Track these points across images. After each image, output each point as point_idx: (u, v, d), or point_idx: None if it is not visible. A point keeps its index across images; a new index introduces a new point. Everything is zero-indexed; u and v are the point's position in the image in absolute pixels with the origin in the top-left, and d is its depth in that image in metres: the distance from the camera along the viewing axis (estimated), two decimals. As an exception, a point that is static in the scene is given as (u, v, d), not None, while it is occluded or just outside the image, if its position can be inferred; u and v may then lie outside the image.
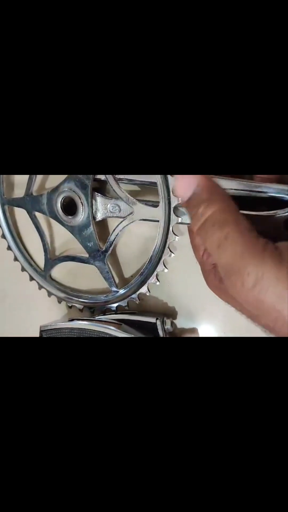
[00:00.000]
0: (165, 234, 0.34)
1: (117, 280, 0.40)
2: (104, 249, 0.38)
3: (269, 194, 0.31)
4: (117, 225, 0.36)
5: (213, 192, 0.25)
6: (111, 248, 0.38)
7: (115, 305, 0.39)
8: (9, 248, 0.44)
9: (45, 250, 0.42)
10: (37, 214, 0.41)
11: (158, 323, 0.36)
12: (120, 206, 0.36)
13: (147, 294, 0.37)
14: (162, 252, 0.35)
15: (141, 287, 0.37)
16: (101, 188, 0.38)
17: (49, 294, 0.43)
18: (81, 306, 0.41)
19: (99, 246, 0.38)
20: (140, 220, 0.35)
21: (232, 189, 0.31)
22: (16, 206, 0.43)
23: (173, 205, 0.33)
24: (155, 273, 0.36)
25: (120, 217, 0.36)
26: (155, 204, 0.34)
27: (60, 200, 0.38)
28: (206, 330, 0.38)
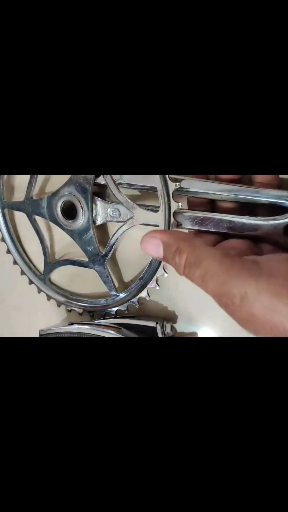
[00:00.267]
0: (165, 239, 0.34)
1: (116, 284, 0.40)
2: (104, 253, 0.38)
3: (269, 200, 0.31)
4: (117, 230, 0.36)
5: (178, 240, 0.28)
6: (111, 252, 0.38)
7: (114, 309, 0.39)
8: (8, 251, 0.44)
9: (45, 254, 0.42)
10: (37, 218, 0.41)
11: (158, 327, 0.36)
12: (120, 211, 0.36)
13: (147, 298, 0.37)
14: (162, 256, 0.35)
15: (141, 292, 0.37)
16: (101, 193, 0.38)
17: (49, 298, 0.43)
18: (80, 310, 0.41)
19: (99, 250, 0.38)
20: (140, 224, 0.35)
21: (232, 194, 0.32)
22: (16, 210, 0.43)
23: (173, 210, 0.33)
24: (155, 277, 0.36)
25: (120, 222, 0.36)
26: (155, 209, 0.34)
27: (60, 204, 0.38)
28: (206, 334, 0.38)
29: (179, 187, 0.32)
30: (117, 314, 0.39)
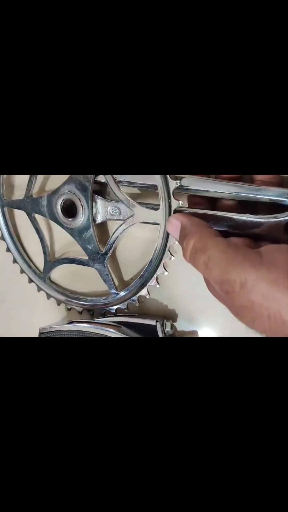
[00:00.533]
0: (166, 237, 0.34)
1: (116, 283, 0.40)
2: (104, 251, 0.38)
3: (270, 197, 0.31)
4: (117, 228, 0.36)
5: (192, 225, 0.30)
6: (111, 251, 0.38)
7: (114, 307, 0.39)
8: (8, 250, 0.44)
9: (45, 252, 0.42)
10: (37, 216, 0.41)
11: (158, 325, 0.36)
12: (120, 209, 0.36)
13: (147, 296, 0.37)
14: (163, 255, 0.35)
15: (141, 290, 0.37)
16: (102, 191, 0.38)
17: (48, 296, 0.43)
18: (80, 309, 0.41)
19: (99, 249, 0.38)
20: (140, 223, 0.35)
21: (233, 192, 0.32)
22: (16, 208, 0.43)
23: (173, 208, 0.33)
24: (155, 275, 0.36)
25: (120, 220, 0.36)
26: (155, 207, 0.34)
27: (60, 202, 0.38)
28: (206, 332, 0.38)
29: (179, 185, 0.32)
30: (117, 313, 0.39)
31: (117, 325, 0.37)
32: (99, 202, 0.37)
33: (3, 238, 0.44)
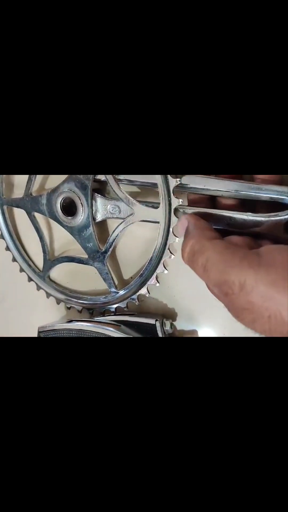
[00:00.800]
0: (166, 236, 0.34)
1: (116, 281, 0.39)
2: (103, 250, 0.38)
3: (270, 196, 0.31)
4: (117, 226, 0.36)
5: (193, 228, 0.30)
6: (110, 249, 0.38)
7: (114, 306, 0.39)
8: (7, 248, 0.44)
9: (44, 251, 0.42)
10: (37, 214, 0.41)
11: (158, 324, 0.36)
12: (120, 207, 0.36)
13: (147, 295, 0.37)
14: (162, 253, 0.35)
15: (140, 289, 0.37)
16: (101, 189, 0.38)
17: (48, 295, 0.43)
18: (80, 307, 0.41)
19: (99, 247, 0.38)
20: (140, 221, 0.35)
21: (233, 191, 0.32)
22: (15, 207, 0.43)
23: (173, 206, 0.33)
24: (155, 274, 0.36)
25: (120, 218, 0.36)
26: (155, 206, 0.34)
27: (59, 200, 0.38)
28: (206, 332, 0.38)
29: (179, 184, 0.32)
30: (117, 311, 0.39)
31: (117, 324, 0.37)
32: (99, 201, 0.37)
33: (2, 237, 0.44)
